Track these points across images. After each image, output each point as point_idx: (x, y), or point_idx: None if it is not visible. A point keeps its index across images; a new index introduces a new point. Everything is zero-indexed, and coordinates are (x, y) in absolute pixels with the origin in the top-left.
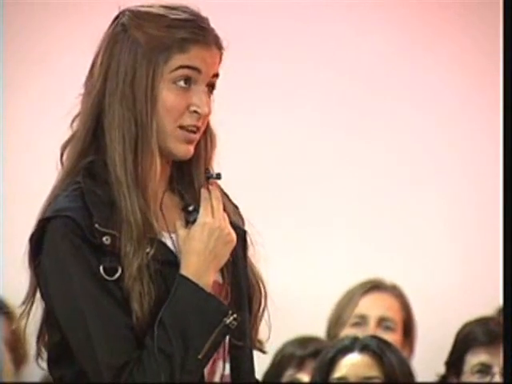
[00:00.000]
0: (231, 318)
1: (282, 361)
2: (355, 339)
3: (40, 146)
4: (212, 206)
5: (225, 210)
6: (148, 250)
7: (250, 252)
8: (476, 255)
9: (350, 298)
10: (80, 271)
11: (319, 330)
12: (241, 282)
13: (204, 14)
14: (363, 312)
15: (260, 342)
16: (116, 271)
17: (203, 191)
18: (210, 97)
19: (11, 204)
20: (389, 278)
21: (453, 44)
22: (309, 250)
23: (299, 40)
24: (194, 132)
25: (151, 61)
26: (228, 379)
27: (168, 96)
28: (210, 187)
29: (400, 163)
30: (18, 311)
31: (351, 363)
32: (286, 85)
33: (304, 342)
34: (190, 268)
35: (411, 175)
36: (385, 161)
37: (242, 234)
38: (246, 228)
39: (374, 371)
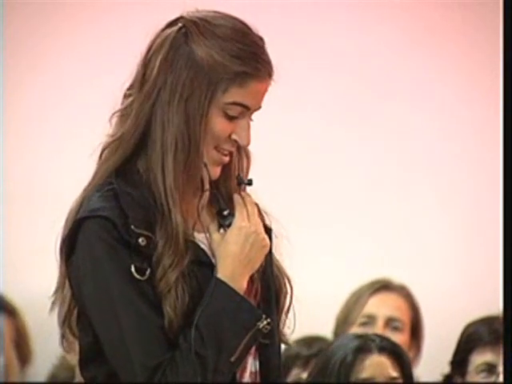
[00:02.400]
0: (264, 322)
1: (288, 361)
2: (364, 338)
3: (41, 145)
4: (247, 211)
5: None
6: (185, 251)
7: (275, 248)
8: (477, 255)
9: (358, 298)
10: (115, 272)
11: (325, 329)
12: (270, 284)
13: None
14: (371, 312)
15: (284, 335)
16: (146, 271)
17: (236, 197)
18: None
19: (11, 203)
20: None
21: (453, 44)
22: (313, 249)
23: (301, 39)
24: (226, 155)
25: (210, 86)
26: (257, 376)
27: (217, 123)
28: (243, 193)
29: (404, 165)
30: (21, 310)
31: (376, 364)
32: (288, 84)
33: (310, 341)
34: (225, 271)
35: (413, 176)
36: (389, 162)
37: (272, 236)
38: (271, 224)
39: (396, 372)
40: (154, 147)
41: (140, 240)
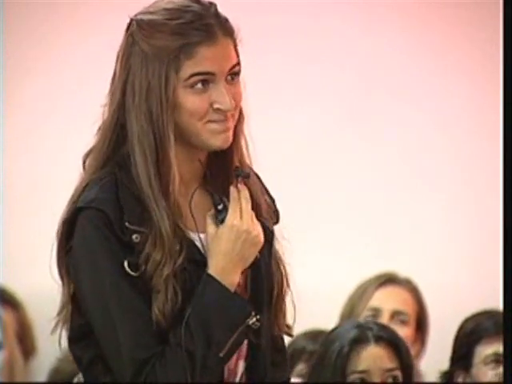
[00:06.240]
0: (254, 319)
1: (293, 355)
2: (362, 328)
3: (43, 140)
4: (241, 207)
5: (255, 208)
6: (178, 250)
7: (277, 246)
8: (477, 253)
9: (364, 291)
10: (108, 265)
11: (330, 323)
12: (261, 283)
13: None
14: (377, 305)
15: (288, 326)
16: (139, 267)
17: (232, 190)
18: (237, 84)
19: (14, 196)
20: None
21: (454, 44)
22: (319, 245)
23: (303, 39)
24: (224, 121)
25: (162, 73)
26: (243, 376)
27: (187, 100)
28: (240, 186)
29: (405, 159)
30: (25, 303)
31: (372, 356)
32: (291, 82)
33: (315, 335)
34: (216, 267)
35: (415, 171)
36: (391, 157)
37: (269, 234)
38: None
39: (393, 362)
40: (129, 143)
41: (134, 237)
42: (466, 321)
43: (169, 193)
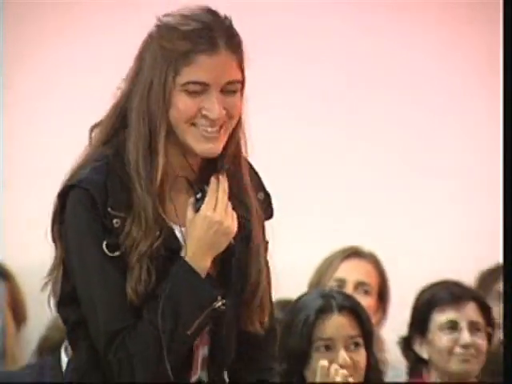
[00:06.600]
0: (220, 302)
1: None
2: (327, 298)
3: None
4: (217, 198)
5: (232, 202)
6: (157, 235)
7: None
8: (477, 252)
9: (330, 263)
10: (92, 243)
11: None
12: (231, 271)
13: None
14: (342, 276)
15: (261, 323)
16: (117, 248)
17: (212, 181)
18: (235, 98)
19: (12, 173)
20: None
21: (453, 45)
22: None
23: (303, 39)
24: (209, 127)
25: (163, 74)
26: (207, 361)
27: (180, 100)
28: (221, 178)
29: (406, 163)
30: (17, 276)
31: (335, 325)
32: (291, 83)
33: (284, 305)
34: (189, 252)
35: (416, 175)
36: (392, 161)
37: (247, 225)
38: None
39: (355, 330)
40: (128, 129)
41: (114, 221)
42: (423, 291)
43: (155, 182)
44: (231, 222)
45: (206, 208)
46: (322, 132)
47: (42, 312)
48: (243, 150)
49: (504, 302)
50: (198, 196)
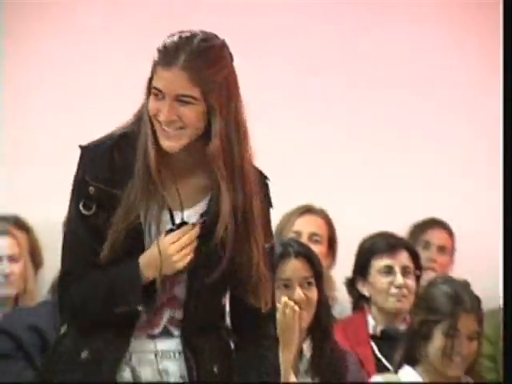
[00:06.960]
0: (140, 308)
1: None
2: (286, 246)
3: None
4: (179, 238)
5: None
6: (135, 220)
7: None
8: (477, 253)
9: (289, 219)
10: (75, 197)
11: None
12: (216, 263)
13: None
14: (298, 229)
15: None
16: (91, 208)
17: (188, 226)
18: (190, 108)
19: (23, 133)
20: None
21: (454, 45)
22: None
23: (303, 39)
24: (162, 127)
25: (150, 76)
26: (178, 323)
27: (150, 101)
28: (196, 228)
29: (406, 164)
30: (35, 228)
31: (292, 267)
32: (291, 83)
33: None
34: (142, 259)
35: (416, 174)
36: (392, 160)
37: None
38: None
39: (308, 272)
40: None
41: (90, 188)
42: (365, 241)
43: (151, 172)
44: (181, 261)
45: (166, 239)
46: (322, 132)
47: (55, 258)
48: (246, 160)
49: (504, 302)
50: (174, 227)
